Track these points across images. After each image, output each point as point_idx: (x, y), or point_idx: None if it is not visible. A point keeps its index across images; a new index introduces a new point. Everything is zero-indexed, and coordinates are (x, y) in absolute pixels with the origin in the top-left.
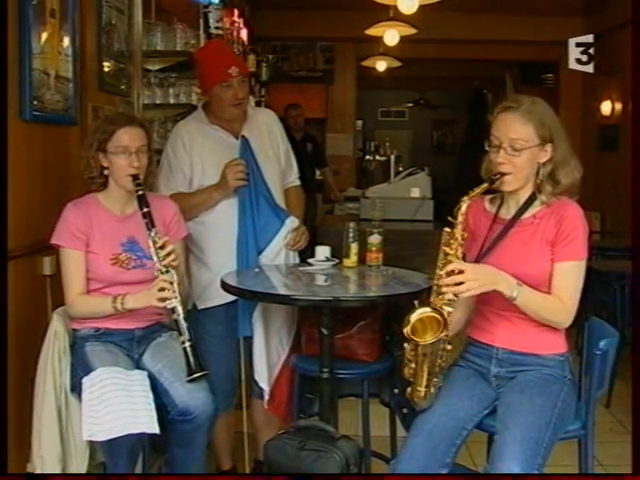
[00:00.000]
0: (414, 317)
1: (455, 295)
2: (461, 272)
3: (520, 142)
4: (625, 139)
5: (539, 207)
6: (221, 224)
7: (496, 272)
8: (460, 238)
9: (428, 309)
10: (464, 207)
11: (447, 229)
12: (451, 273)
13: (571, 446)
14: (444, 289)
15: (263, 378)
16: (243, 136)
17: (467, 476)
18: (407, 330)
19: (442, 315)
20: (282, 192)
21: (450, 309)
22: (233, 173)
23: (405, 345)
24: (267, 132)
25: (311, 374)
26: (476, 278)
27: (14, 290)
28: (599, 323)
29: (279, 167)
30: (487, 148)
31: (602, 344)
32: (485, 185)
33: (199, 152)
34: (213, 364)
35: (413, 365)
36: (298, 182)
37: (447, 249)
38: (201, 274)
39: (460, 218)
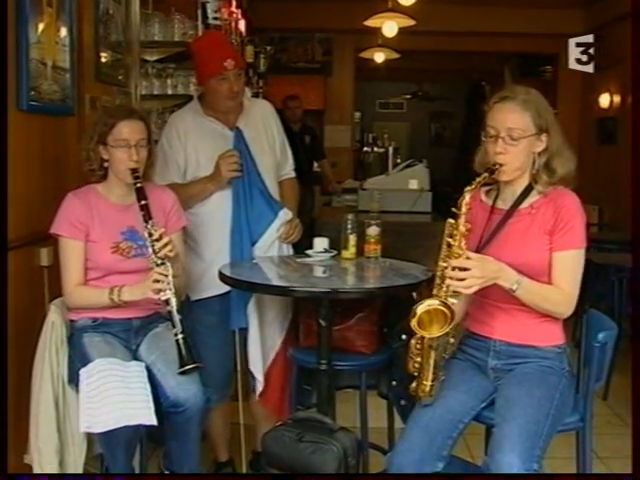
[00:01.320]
0: (420, 309)
1: (455, 292)
2: (465, 269)
3: (518, 131)
4: (623, 132)
5: (536, 197)
6: (215, 215)
7: (498, 267)
8: (463, 229)
9: (436, 302)
10: (468, 198)
11: (450, 220)
12: (455, 268)
13: (569, 438)
14: (448, 282)
15: (258, 369)
16: (237, 127)
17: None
18: (414, 322)
19: (449, 308)
20: (277, 184)
21: (455, 300)
22: (227, 164)
23: (411, 340)
24: (262, 123)
25: (309, 366)
26: (481, 275)
27: (11, 281)
28: (597, 315)
29: (274, 159)
30: (483, 138)
31: (601, 336)
32: (485, 175)
33: (194, 143)
34: (206, 355)
35: (419, 359)
36: (293, 174)
37: (450, 240)
38: (194, 265)
39: (464, 209)
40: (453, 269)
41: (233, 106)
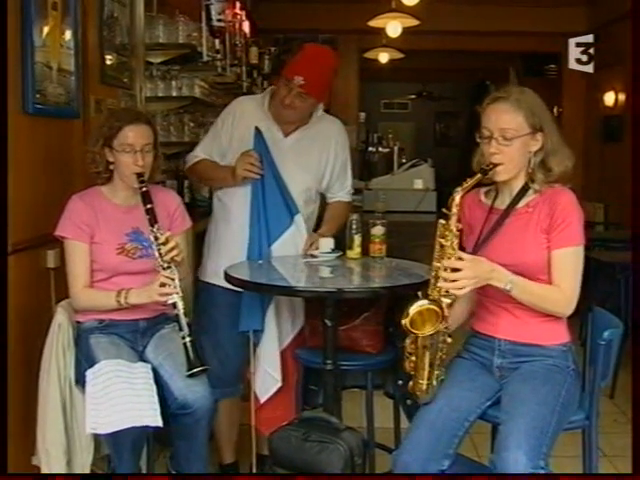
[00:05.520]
0: (413, 310)
1: (447, 291)
2: (457, 270)
3: (511, 131)
4: (629, 130)
5: (532, 196)
6: (238, 212)
7: (490, 267)
8: (455, 230)
9: (426, 302)
10: (457, 198)
11: (442, 221)
12: (447, 268)
13: (575, 437)
14: (440, 284)
15: (274, 368)
16: (257, 127)
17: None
18: (406, 322)
19: (440, 307)
20: (306, 198)
21: (448, 300)
22: (242, 163)
23: (406, 340)
24: (322, 142)
25: (315, 366)
26: (473, 276)
27: (18, 283)
28: (603, 314)
29: (316, 178)
30: (478, 140)
31: (606, 334)
32: (478, 176)
33: (242, 132)
34: (208, 347)
35: (414, 358)
36: (346, 198)
37: (442, 241)
38: (211, 244)
39: (454, 210)
40: (445, 269)
41: (284, 116)
